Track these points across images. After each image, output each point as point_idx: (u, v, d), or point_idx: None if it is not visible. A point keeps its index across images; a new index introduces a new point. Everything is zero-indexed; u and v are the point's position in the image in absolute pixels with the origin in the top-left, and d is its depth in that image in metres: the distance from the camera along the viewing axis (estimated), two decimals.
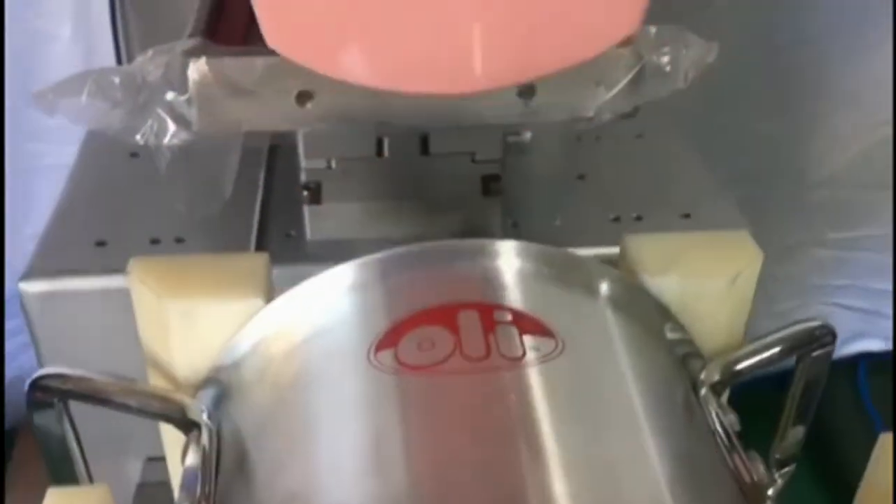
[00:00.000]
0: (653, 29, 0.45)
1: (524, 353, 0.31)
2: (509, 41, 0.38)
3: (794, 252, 1.20)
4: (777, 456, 0.43)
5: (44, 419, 0.36)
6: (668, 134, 0.66)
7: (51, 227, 0.56)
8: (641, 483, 0.30)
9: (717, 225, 0.58)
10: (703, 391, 0.35)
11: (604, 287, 0.36)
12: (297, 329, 0.35)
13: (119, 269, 0.51)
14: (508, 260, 0.35)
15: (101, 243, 0.54)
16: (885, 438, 0.32)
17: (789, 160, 1.15)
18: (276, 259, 0.53)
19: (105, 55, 0.85)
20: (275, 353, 0.34)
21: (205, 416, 0.33)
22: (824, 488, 1.19)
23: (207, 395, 0.35)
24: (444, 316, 0.32)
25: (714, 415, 0.35)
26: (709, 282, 0.37)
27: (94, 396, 0.34)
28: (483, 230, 0.55)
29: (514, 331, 0.32)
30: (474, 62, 0.37)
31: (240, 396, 0.34)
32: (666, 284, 0.37)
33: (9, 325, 1.15)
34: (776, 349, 0.38)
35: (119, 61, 0.79)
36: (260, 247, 0.54)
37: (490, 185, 0.54)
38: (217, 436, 0.33)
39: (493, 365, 0.30)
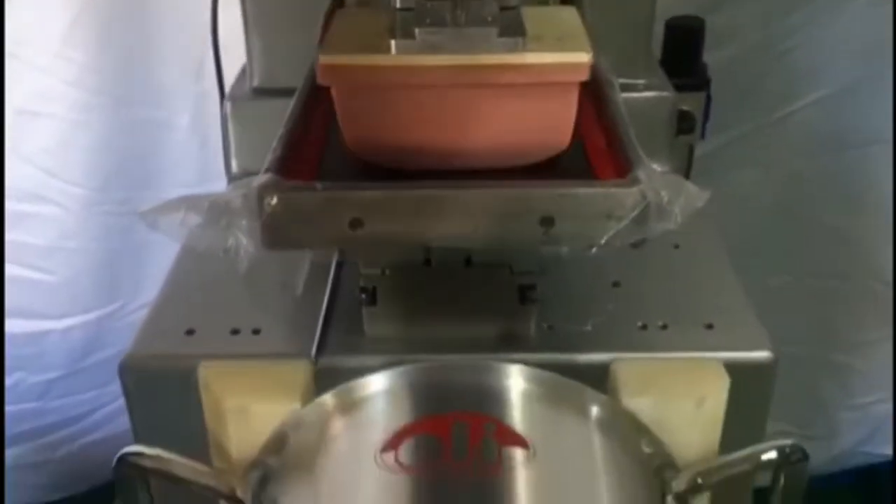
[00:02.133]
0: (657, 168, 0.52)
1: (499, 460, 0.38)
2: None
3: (872, 346, 1.22)
4: None
5: (126, 488, 0.45)
6: (704, 245, 0.73)
7: (150, 316, 0.67)
8: None
9: (738, 335, 0.63)
10: (668, 498, 0.42)
11: (588, 407, 0.43)
12: (329, 425, 0.43)
13: (203, 356, 0.62)
14: (508, 379, 0.43)
15: (189, 332, 0.65)
16: None
17: (866, 256, 1.18)
18: (335, 351, 0.62)
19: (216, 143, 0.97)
20: (309, 444, 0.43)
21: (249, 496, 0.42)
22: None
23: (254, 476, 0.43)
24: (441, 425, 0.40)
25: None
26: (678, 403, 0.43)
27: (166, 474, 0.43)
28: (518, 334, 0.63)
29: (494, 442, 0.39)
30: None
31: (278, 479, 0.43)
32: (643, 404, 0.44)
33: (112, 387, 1.28)
34: (743, 466, 0.44)
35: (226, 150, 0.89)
36: (324, 340, 0.63)
37: (526, 293, 0.62)
38: None
39: (473, 468, 0.38)
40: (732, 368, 0.48)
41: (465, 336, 0.62)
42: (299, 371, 0.45)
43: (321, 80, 0.54)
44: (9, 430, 1.26)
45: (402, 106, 0.56)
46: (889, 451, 1.30)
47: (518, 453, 0.39)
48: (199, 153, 1.16)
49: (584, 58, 0.54)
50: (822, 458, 1.26)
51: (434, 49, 0.55)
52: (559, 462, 0.40)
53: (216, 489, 0.43)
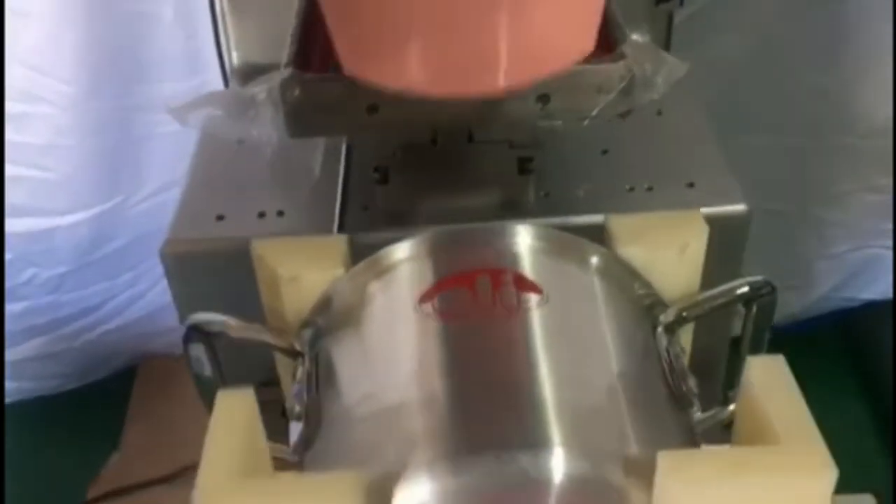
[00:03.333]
0: (636, 37, 0.60)
1: (518, 304, 0.48)
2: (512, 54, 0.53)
3: (846, 198, 1.31)
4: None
5: (195, 351, 0.54)
6: (685, 110, 0.81)
7: (181, 205, 0.74)
8: (603, 389, 0.47)
9: (716, 192, 0.72)
10: (658, 330, 0.51)
11: (589, 257, 0.52)
12: (367, 287, 0.52)
13: (235, 238, 0.70)
14: (518, 238, 0.52)
15: (220, 217, 0.73)
16: (752, 361, 0.46)
17: (840, 111, 1.25)
18: (355, 227, 0.71)
19: (204, 35, 1.01)
20: (352, 303, 0.52)
21: (307, 348, 0.51)
22: (876, 418, 1.33)
23: (307, 333, 0.52)
24: (467, 279, 0.49)
25: (664, 347, 0.51)
26: (664, 251, 0.52)
27: (230, 336, 0.52)
28: (518, 202, 0.71)
29: (513, 289, 0.48)
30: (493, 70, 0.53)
31: (329, 334, 0.52)
32: (634, 253, 0.53)
33: (122, 277, 1.37)
34: (720, 300, 0.53)
35: (217, 42, 0.95)
36: (342, 218, 0.72)
37: (524, 165, 0.70)
38: (315, 361, 0.51)
39: (497, 313, 0.47)
40: (711, 220, 0.57)
41: (470, 206, 0.71)
42: (340, 244, 0.53)
43: None
44: (26, 323, 1.34)
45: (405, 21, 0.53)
46: (865, 295, 1.41)
47: (533, 297, 0.48)
48: (185, 44, 1.20)
49: None
50: (802, 304, 1.38)
51: None
52: (567, 303, 0.49)
53: (277, 345, 0.52)
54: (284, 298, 0.52)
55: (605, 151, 0.77)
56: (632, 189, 0.73)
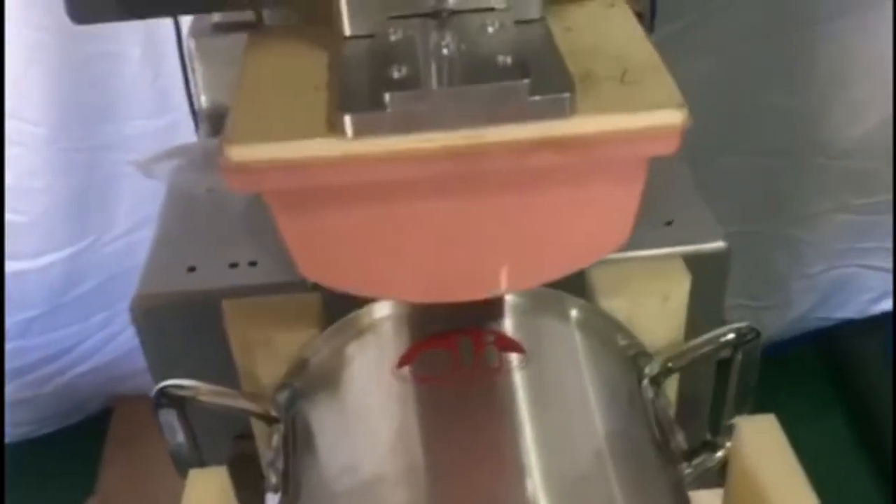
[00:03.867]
0: None
1: (500, 366, 0.46)
2: (510, 267, 0.44)
3: (819, 218, 1.32)
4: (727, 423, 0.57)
5: (166, 416, 0.52)
6: None
7: (150, 256, 0.72)
8: (589, 451, 0.45)
9: (694, 229, 0.70)
10: (644, 383, 0.50)
11: (569, 310, 0.50)
12: (344, 349, 0.50)
13: (206, 291, 0.68)
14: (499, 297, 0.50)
15: (191, 269, 0.70)
16: (741, 424, 0.45)
17: (810, 132, 1.26)
18: None
19: (173, 74, 1.00)
20: (328, 366, 0.50)
21: (283, 412, 0.49)
22: (858, 436, 1.32)
23: (282, 396, 0.50)
24: (447, 341, 0.47)
25: (650, 400, 0.49)
26: (646, 301, 0.51)
27: (203, 401, 0.50)
28: None
29: (495, 350, 0.47)
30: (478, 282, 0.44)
31: (306, 397, 0.50)
32: (616, 305, 0.51)
33: (95, 318, 1.34)
34: (706, 349, 0.52)
35: (187, 84, 0.93)
36: None
37: None
38: (292, 426, 0.49)
39: (479, 376, 0.45)
40: (692, 260, 0.55)
41: None
42: (314, 301, 0.51)
43: (233, 186, 0.39)
44: None
45: (373, 224, 0.41)
46: (841, 314, 1.41)
47: (515, 357, 0.46)
48: (153, 83, 1.19)
49: (674, 116, 0.38)
50: (778, 325, 1.38)
51: (420, 122, 0.37)
52: (549, 361, 0.48)
53: (251, 411, 0.50)
54: (258, 361, 0.50)
55: None
56: None
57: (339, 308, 0.52)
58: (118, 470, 1.37)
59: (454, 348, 0.46)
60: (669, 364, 0.51)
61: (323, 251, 0.43)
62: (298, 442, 0.48)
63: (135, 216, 1.24)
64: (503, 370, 0.46)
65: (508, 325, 0.48)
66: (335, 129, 0.38)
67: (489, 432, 0.44)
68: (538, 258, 0.44)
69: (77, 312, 1.32)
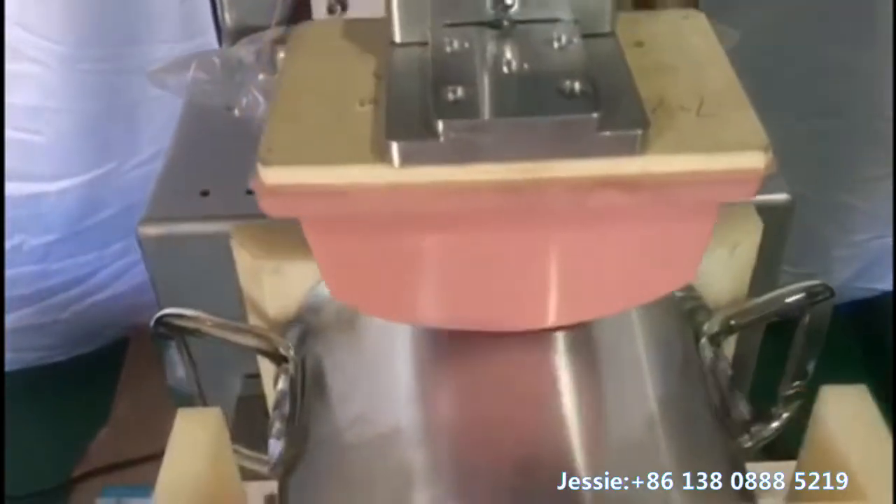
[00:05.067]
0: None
1: None
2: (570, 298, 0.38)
3: (870, 185, 1.23)
4: (785, 394, 0.50)
5: (167, 348, 0.46)
6: None
7: (162, 178, 0.66)
8: (639, 415, 0.38)
9: None
10: (702, 341, 0.43)
11: None
12: None
13: (220, 217, 0.62)
14: None
15: (205, 193, 0.64)
16: (825, 391, 0.38)
17: (868, 92, 1.17)
18: None
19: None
20: (344, 305, 0.43)
21: (292, 352, 0.43)
22: (890, 407, 1.25)
23: (293, 333, 0.44)
24: None
25: (708, 362, 0.42)
26: (712, 251, 0.44)
27: (206, 333, 0.44)
28: None
29: None
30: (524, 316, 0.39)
31: (319, 336, 0.43)
32: None
33: (114, 246, 1.29)
34: (773, 307, 0.45)
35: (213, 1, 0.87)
36: None
37: None
38: (301, 367, 0.42)
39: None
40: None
41: None
42: None
43: (266, 210, 0.36)
44: (13, 292, 1.27)
45: (415, 254, 0.37)
46: (882, 285, 1.33)
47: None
48: (179, 7, 1.12)
49: (756, 160, 0.33)
50: None
51: (476, 153, 0.32)
52: (604, 331, 0.41)
53: (257, 348, 0.44)
54: (266, 292, 0.44)
55: None
56: None
57: None
58: (131, 401, 1.33)
59: None
60: (732, 321, 0.44)
61: (357, 277, 0.39)
62: (308, 385, 0.42)
63: (158, 143, 1.18)
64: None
65: None
66: (381, 154, 0.33)
67: (525, 387, 0.38)
68: (592, 295, 0.39)
69: (96, 239, 1.27)
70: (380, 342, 0.41)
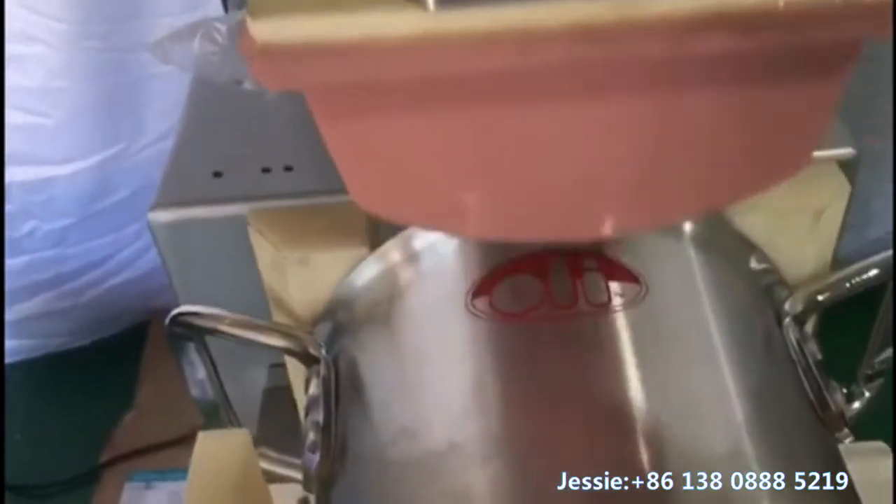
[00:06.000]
0: None
1: (609, 299, 0.33)
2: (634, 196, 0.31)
3: None
4: (866, 372, 0.44)
5: (184, 349, 0.41)
6: None
7: (172, 160, 0.60)
8: (719, 421, 0.33)
9: None
10: (786, 321, 0.37)
11: (688, 226, 0.38)
12: (400, 273, 0.38)
13: (235, 199, 0.56)
14: None
15: (217, 174, 0.58)
16: None
17: None
18: None
19: None
20: (380, 295, 0.38)
21: (324, 352, 0.37)
22: None
23: (323, 330, 0.39)
24: (535, 264, 0.34)
25: (795, 345, 0.37)
26: (794, 218, 0.38)
27: (225, 333, 0.38)
28: None
29: (600, 277, 0.34)
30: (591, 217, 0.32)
31: (352, 333, 0.38)
32: (752, 221, 0.38)
33: (129, 229, 1.24)
34: (861, 277, 0.39)
35: None
36: None
37: None
38: (335, 367, 0.37)
39: (581, 311, 0.33)
40: None
41: None
42: (361, 213, 0.39)
43: (260, 78, 0.27)
44: (29, 278, 1.23)
45: (453, 135, 0.29)
46: None
47: (628, 290, 0.34)
48: None
49: None
50: (855, 246, 1.23)
51: None
52: (669, 293, 0.35)
53: (284, 347, 0.38)
54: (290, 285, 0.39)
55: None
56: None
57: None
58: (154, 384, 1.29)
59: (545, 275, 0.34)
60: (819, 296, 0.38)
61: (381, 172, 0.30)
62: (343, 390, 0.36)
63: (167, 122, 1.12)
64: (609, 306, 0.34)
65: (614, 246, 0.36)
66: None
67: (592, 393, 0.32)
68: (678, 186, 0.31)
69: (111, 222, 1.22)
70: (421, 340, 0.36)
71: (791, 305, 0.38)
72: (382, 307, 0.37)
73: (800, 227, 0.38)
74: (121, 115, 1.13)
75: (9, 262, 1.20)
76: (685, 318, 0.35)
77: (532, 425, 0.31)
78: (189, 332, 0.39)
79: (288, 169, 0.59)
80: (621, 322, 0.33)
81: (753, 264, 0.39)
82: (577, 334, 0.33)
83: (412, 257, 0.38)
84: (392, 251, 0.38)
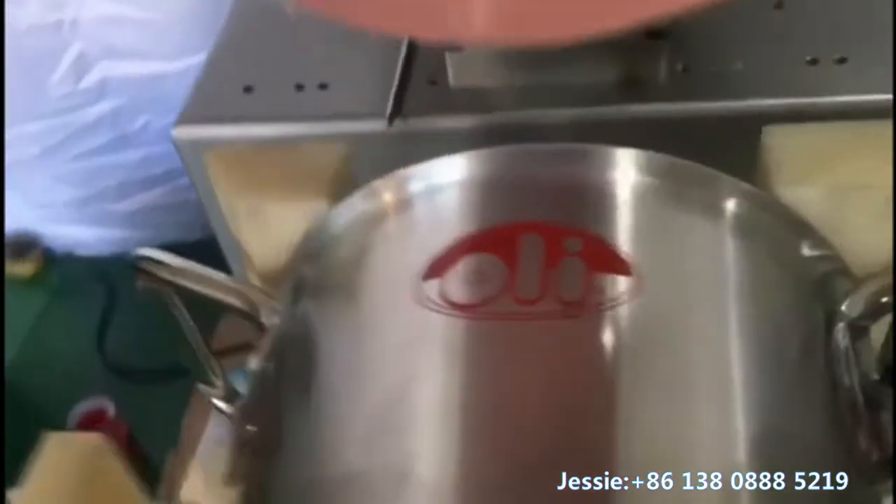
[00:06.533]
0: None
1: (584, 297, 0.26)
2: None
3: None
4: None
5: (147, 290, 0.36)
6: None
7: (204, 73, 0.55)
8: (727, 461, 0.25)
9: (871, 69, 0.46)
10: (839, 327, 0.29)
11: (727, 205, 0.29)
12: (378, 226, 0.32)
13: (264, 116, 0.51)
14: (614, 169, 0.29)
15: (248, 89, 0.53)
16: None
17: None
18: (417, 106, 0.50)
19: None
20: (350, 252, 0.32)
21: (276, 319, 0.32)
22: None
23: (285, 290, 0.33)
24: (504, 241, 0.27)
25: (845, 360, 0.28)
26: (864, 194, 0.29)
27: (174, 284, 0.33)
28: (643, 79, 0.48)
29: (581, 266, 0.26)
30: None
31: (315, 297, 0.32)
32: (807, 195, 0.29)
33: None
34: None
35: None
36: (400, 93, 0.51)
37: (655, 26, 0.46)
38: (280, 345, 0.31)
39: (544, 310, 0.26)
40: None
41: (575, 83, 0.48)
42: (328, 158, 0.32)
43: None
44: (143, 172, 1.24)
45: None
46: None
47: (618, 282, 0.26)
48: None
49: None
50: None
51: None
52: (674, 290, 0.27)
53: (236, 307, 0.33)
54: (248, 237, 0.33)
55: (779, 5, 0.51)
56: (815, 61, 0.47)
57: (425, 141, 0.33)
58: None
59: (514, 257, 0.27)
60: (884, 298, 0.29)
61: None
62: (293, 360, 0.31)
63: None
64: (583, 304, 0.26)
65: (611, 220, 0.28)
66: None
67: (558, 421, 0.25)
68: None
69: None
70: (372, 321, 0.29)
71: (849, 307, 0.29)
72: (348, 268, 0.31)
73: (869, 207, 0.29)
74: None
75: (123, 156, 1.22)
76: (689, 329, 0.27)
77: (482, 459, 0.24)
78: (146, 278, 0.34)
79: (322, 87, 0.53)
80: (595, 328, 0.25)
81: (806, 251, 0.30)
82: (530, 341, 0.25)
83: (400, 205, 0.31)
84: (381, 192, 0.32)
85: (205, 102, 0.53)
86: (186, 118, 0.52)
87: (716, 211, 0.29)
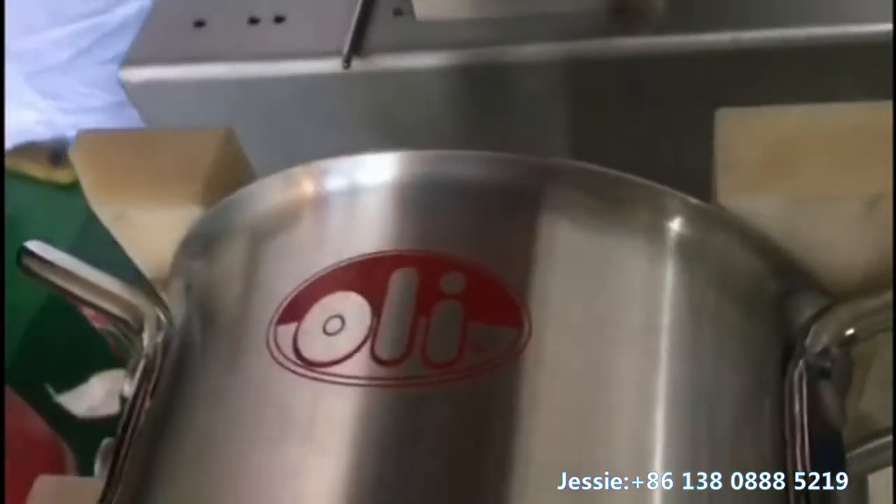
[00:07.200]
0: None
1: (458, 357, 0.20)
2: None
3: None
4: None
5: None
6: None
7: (154, 7, 0.50)
8: None
9: None
10: (796, 373, 0.23)
11: (670, 225, 0.23)
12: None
13: (215, 55, 0.46)
14: (530, 181, 0.23)
15: (199, 24, 0.48)
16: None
17: None
18: (380, 42, 0.44)
19: None
20: (240, 255, 0.27)
21: (153, 332, 0.27)
22: None
23: (176, 287, 0.29)
24: (374, 275, 0.22)
25: (797, 411, 0.22)
26: (836, 205, 0.22)
27: (55, 285, 0.29)
28: (633, 8, 0.40)
29: (458, 313, 0.21)
30: None
31: (200, 293, 0.27)
32: (769, 205, 0.23)
33: None
34: None
35: None
36: (361, 27, 0.44)
37: None
38: (162, 358, 0.27)
39: (404, 375, 0.20)
40: None
41: (557, 13, 0.41)
42: (205, 148, 0.27)
43: None
44: None
45: None
46: None
47: (502, 337, 0.21)
48: None
49: None
50: None
51: None
52: (581, 352, 0.21)
53: (115, 315, 0.28)
54: (123, 245, 0.28)
55: None
56: None
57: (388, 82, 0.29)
58: None
59: (380, 299, 0.21)
60: (849, 330, 0.23)
61: None
62: (166, 385, 0.26)
63: None
64: (451, 371, 0.21)
65: (515, 248, 0.22)
66: None
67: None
68: None
69: None
70: (220, 375, 0.24)
71: (811, 342, 0.23)
72: (223, 286, 0.26)
73: (841, 220, 0.22)
74: None
75: None
76: (594, 395, 0.21)
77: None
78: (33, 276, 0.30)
79: (279, 20, 0.47)
80: (466, 398, 0.20)
81: (763, 274, 0.24)
82: (383, 414, 0.20)
83: (315, 203, 0.26)
84: (300, 180, 0.26)
85: (153, 40, 0.48)
86: (134, 59, 0.47)
87: (654, 233, 0.23)
